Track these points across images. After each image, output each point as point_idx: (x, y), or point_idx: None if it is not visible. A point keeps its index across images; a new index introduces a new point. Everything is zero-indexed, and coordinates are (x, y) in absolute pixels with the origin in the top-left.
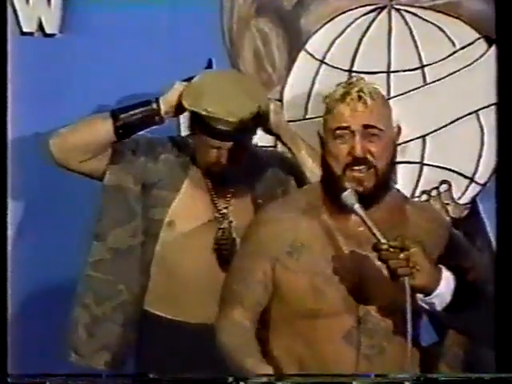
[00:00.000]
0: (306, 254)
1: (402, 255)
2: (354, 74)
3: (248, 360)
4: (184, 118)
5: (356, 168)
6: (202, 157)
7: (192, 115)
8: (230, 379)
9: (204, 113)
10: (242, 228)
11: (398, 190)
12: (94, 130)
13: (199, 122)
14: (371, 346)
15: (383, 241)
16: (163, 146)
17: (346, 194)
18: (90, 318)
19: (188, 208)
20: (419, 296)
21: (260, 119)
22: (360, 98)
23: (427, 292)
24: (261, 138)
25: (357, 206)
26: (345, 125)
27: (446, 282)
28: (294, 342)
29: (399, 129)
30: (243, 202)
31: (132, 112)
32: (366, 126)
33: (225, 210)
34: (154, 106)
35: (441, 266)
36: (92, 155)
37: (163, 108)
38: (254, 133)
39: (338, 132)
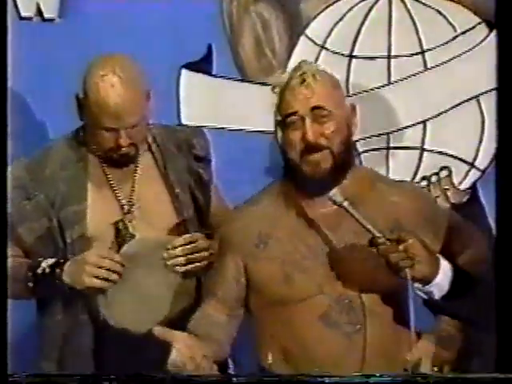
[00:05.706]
0: (274, 243)
1: (400, 247)
2: (301, 59)
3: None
4: (184, 107)
5: (311, 153)
6: (98, 143)
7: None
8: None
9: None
10: (149, 219)
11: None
12: None
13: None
14: (350, 324)
15: (379, 235)
16: (48, 166)
17: (333, 192)
18: None
19: (98, 215)
20: (418, 285)
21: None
22: (303, 81)
23: (427, 281)
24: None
25: (346, 204)
26: (292, 111)
27: (444, 271)
28: (275, 329)
29: (354, 108)
30: (152, 191)
31: None
32: (313, 108)
33: (129, 203)
34: None
35: (438, 255)
36: None
37: None
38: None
39: (288, 119)
